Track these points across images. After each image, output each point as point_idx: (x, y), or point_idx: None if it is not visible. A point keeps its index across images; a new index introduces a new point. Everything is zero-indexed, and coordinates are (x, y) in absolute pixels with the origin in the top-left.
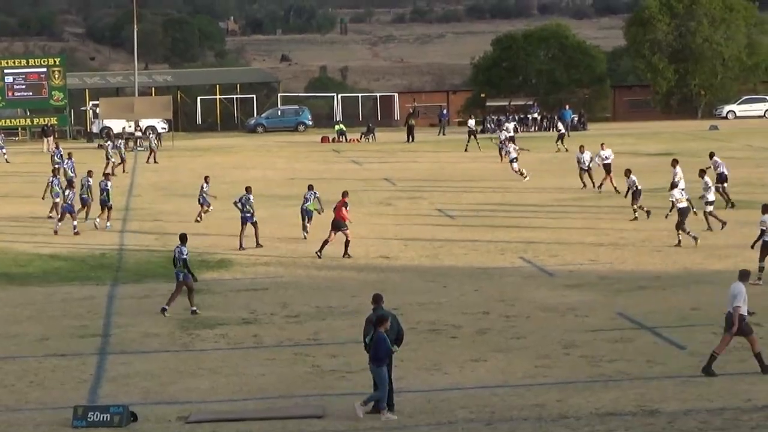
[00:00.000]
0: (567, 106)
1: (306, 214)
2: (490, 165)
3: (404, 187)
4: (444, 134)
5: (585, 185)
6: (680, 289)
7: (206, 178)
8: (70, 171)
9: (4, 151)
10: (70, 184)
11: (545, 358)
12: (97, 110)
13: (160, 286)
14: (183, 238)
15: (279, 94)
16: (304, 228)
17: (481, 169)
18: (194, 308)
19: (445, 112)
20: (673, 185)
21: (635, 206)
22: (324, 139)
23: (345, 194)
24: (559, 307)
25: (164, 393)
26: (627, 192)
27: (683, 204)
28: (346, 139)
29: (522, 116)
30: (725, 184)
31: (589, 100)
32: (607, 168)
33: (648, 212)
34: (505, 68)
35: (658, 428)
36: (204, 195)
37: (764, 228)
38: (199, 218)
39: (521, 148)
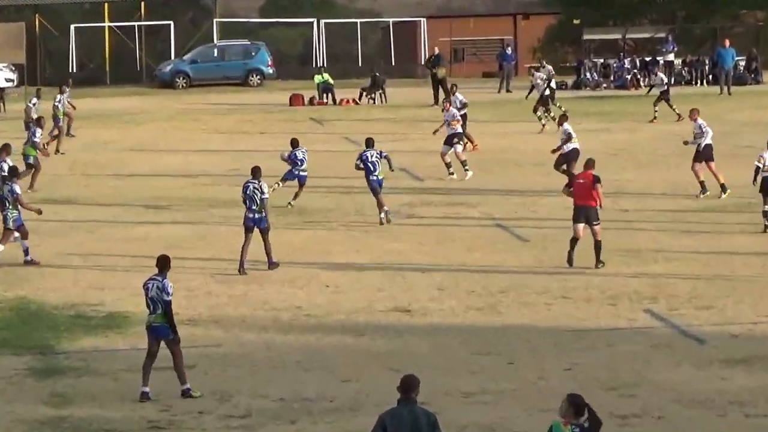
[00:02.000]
0: (727, 43)
1: (377, 186)
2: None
3: (436, 185)
4: (508, 90)
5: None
6: None
7: (294, 142)
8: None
9: None
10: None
11: None
12: None
13: None
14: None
15: (215, 20)
16: (381, 207)
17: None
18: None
19: (509, 51)
20: None
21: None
22: (296, 100)
23: (591, 163)
24: (715, 398)
25: None
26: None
27: None
28: (334, 100)
29: (647, 59)
30: None
31: (766, 32)
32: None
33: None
34: None
35: None
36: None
37: None
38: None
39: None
